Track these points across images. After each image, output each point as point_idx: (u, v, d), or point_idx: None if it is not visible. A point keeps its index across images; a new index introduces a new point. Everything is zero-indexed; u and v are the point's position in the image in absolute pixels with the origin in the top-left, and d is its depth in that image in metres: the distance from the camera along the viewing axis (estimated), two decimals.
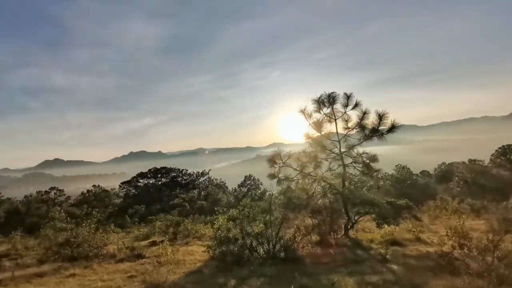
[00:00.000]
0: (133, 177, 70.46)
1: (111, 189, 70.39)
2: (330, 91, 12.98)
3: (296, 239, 9.38)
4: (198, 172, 71.75)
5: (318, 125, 12.50)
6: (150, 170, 71.93)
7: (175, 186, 66.80)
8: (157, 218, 30.24)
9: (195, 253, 11.19)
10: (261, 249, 8.97)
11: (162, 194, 66.76)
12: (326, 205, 12.82)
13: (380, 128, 12.16)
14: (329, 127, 13.60)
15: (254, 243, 8.98)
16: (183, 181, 69.80)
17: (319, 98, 13.06)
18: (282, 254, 9.02)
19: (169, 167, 72.07)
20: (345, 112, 13.06)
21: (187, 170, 72.96)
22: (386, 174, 67.31)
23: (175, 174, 71.91)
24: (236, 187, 61.41)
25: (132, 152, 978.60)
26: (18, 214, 44.97)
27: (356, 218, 13.23)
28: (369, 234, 12.83)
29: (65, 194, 60.13)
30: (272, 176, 12.73)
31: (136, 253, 11.18)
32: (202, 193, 64.62)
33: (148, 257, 10.90)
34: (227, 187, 68.15)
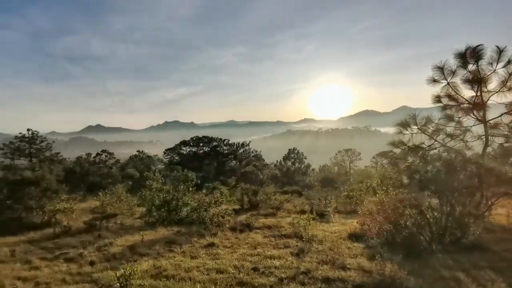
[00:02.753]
0: (176, 145, 71.61)
1: (154, 155, 72.75)
2: (476, 44, 10.38)
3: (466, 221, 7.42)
4: (238, 143, 71.54)
5: (469, 84, 10.06)
6: (192, 138, 72.68)
7: (216, 155, 67.05)
8: (215, 186, 29.40)
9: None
10: (427, 230, 7.17)
11: (203, 163, 67.26)
12: (466, 183, 10.53)
13: None
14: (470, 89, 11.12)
15: (421, 222, 7.18)
16: (225, 151, 69.85)
17: (465, 51, 10.49)
18: (448, 239, 7.16)
19: (210, 136, 72.42)
20: (495, 70, 10.45)
21: (228, 140, 72.95)
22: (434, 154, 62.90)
23: (217, 143, 71.98)
24: (281, 160, 60.09)
25: (167, 121, 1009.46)
26: (74, 173, 46.86)
27: (493, 200, 10.97)
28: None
29: (115, 157, 62.39)
30: (399, 145, 10.62)
31: (244, 222, 9.83)
32: (243, 163, 64.61)
33: (259, 227, 9.53)
34: (264, 160, 67.47)
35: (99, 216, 10.15)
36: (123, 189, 18.11)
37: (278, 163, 58.81)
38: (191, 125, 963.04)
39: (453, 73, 10.51)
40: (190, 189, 10.87)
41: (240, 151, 71.60)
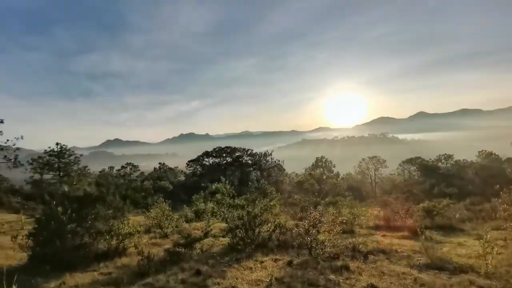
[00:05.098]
0: (199, 156, 70.66)
1: (175, 167, 72.30)
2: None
3: None
4: (261, 153, 69.96)
5: None
6: (214, 149, 71.75)
7: (240, 165, 65.52)
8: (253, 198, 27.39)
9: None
10: None
11: (226, 173, 65.62)
12: None
13: None
14: None
15: None
16: (249, 161, 68.23)
17: None
18: None
19: (233, 146, 71.20)
20: None
21: (252, 150, 71.40)
22: (464, 161, 59.09)
23: (240, 153, 70.54)
24: (310, 169, 57.82)
25: (182, 134, 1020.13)
26: (101, 186, 46.05)
27: None
28: None
29: (139, 170, 61.80)
30: None
31: (348, 246, 7.82)
32: (265, 173, 62.84)
33: (371, 252, 7.52)
34: (285, 169, 65.55)
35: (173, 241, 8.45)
36: (166, 204, 16.24)
37: (307, 172, 56.40)
38: (206, 136, 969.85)
39: None
40: (273, 204, 9.06)
41: (263, 161, 69.89)
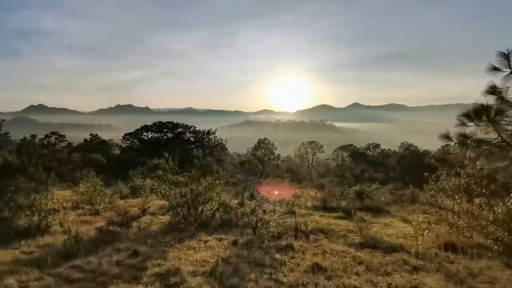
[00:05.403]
0: (137, 130, 66.96)
1: (109, 139, 67.87)
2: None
3: None
4: (204, 131, 68.91)
5: None
6: (155, 123, 68.63)
7: (181, 142, 63.81)
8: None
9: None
10: None
11: (167, 150, 63.39)
12: None
13: None
14: None
15: None
16: (191, 138, 66.75)
17: None
18: None
19: (175, 122, 68.72)
20: None
21: (195, 127, 69.84)
22: (389, 150, 66.42)
23: (182, 130, 68.48)
24: (252, 150, 58.65)
25: (119, 105, 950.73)
26: (22, 156, 40.82)
27: None
28: None
29: (66, 141, 56.28)
30: (459, 138, 9.44)
31: (291, 226, 8.02)
32: (207, 152, 62.23)
33: (311, 232, 7.81)
34: (227, 149, 65.99)
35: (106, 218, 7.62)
36: (98, 179, 15.06)
37: (249, 153, 57.20)
38: (146, 110, 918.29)
39: None
40: (218, 182, 8.81)
41: (206, 139, 68.91)
